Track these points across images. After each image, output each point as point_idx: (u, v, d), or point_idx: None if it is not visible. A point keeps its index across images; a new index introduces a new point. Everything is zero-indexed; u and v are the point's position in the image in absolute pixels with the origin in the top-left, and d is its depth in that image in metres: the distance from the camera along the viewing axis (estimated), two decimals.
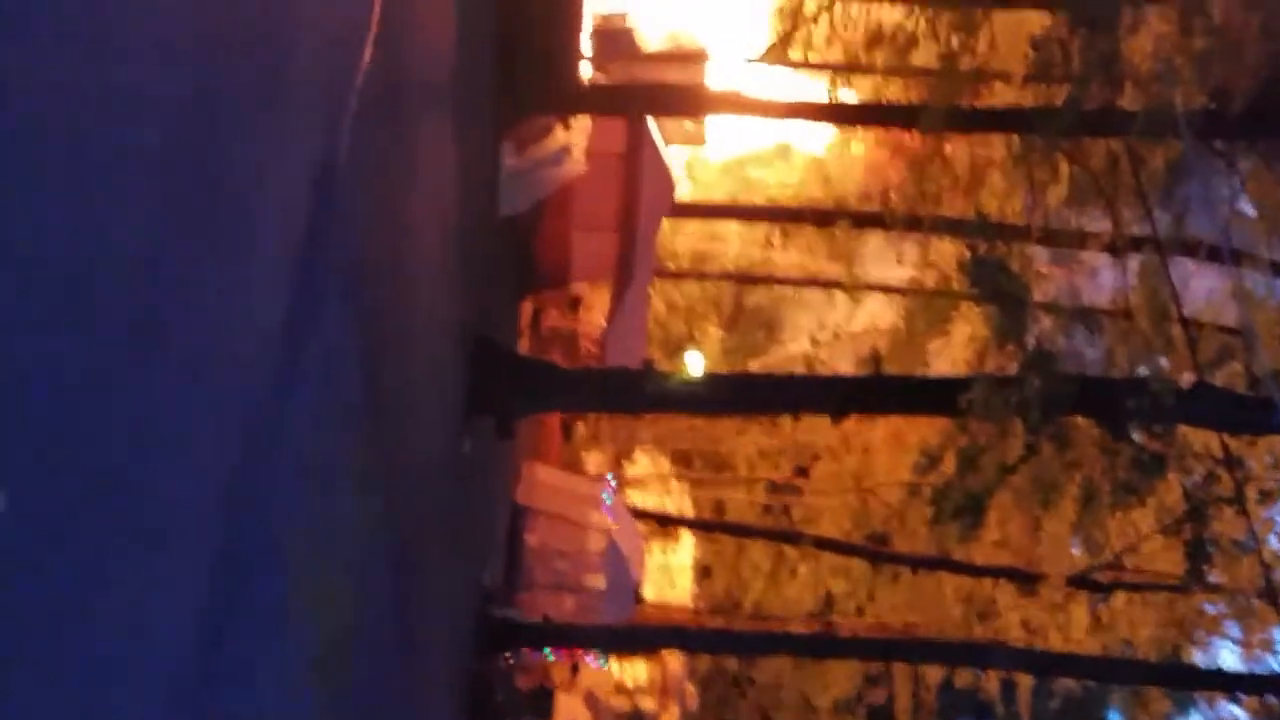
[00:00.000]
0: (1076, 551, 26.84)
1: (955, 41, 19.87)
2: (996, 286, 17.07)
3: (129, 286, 5.97)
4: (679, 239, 35.43)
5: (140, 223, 6.05)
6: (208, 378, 7.12)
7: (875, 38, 21.16)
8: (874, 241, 29.49)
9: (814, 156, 34.11)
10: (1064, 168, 20.04)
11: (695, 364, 34.77)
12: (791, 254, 34.46)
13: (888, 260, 29.52)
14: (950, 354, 26.37)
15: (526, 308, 27.16)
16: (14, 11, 4.91)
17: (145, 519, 6.27)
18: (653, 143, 24.96)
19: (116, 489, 5.88)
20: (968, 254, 18.50)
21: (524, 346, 26.25)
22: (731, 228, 35.46)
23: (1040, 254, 21.42)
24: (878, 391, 19.14)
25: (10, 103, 4.88)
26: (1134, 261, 20.05)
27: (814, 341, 36.14)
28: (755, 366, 36.66)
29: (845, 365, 34.24)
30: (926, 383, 20.37)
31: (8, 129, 4.87)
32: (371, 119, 10.51)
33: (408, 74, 13.00)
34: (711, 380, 24.08)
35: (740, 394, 19.86)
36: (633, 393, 18.69)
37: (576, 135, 22.67)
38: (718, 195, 35.58)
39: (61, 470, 5.39)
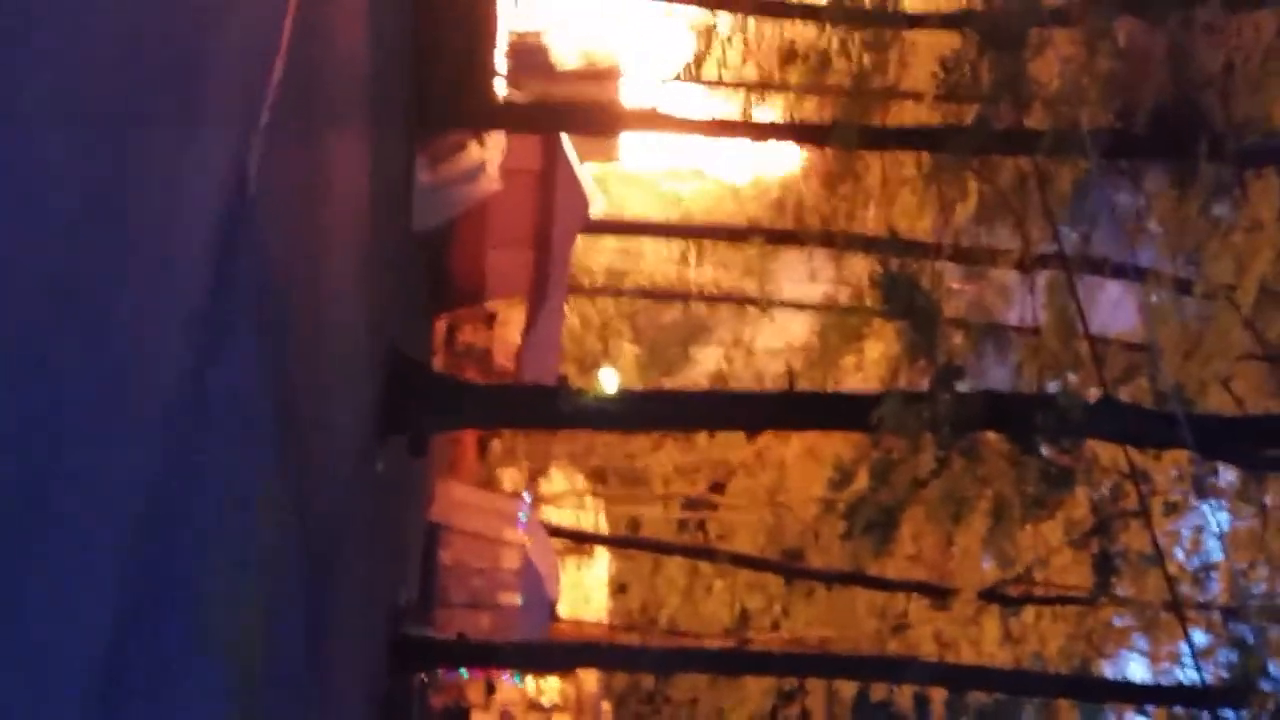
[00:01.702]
0: (988, 565, 27.12)
1: (867, 60, 20.05)
2: (908, 303, 17.22)
3: (30, 310, 5.86)
4: (593, 255, 35.47)
5: (41, 245, 5.95)
6: (113, 404, 7.02)
7: (789, 56, 21.30)
8: (788, 258, 29.67)
9: (728, 174, 34.29)
10: (973, 186, 20.27)
11: (610, 380, 34.81)
12: (706, 271, 34.61)
13: (801, 277, 29.71)
14: (864, 371, 26.57)
15: (441, 324, 27.08)
16: None
17: (49, 549, 6.16)
18: (567, 160, 25.00)
19: (17, 518, 5.78)
20: (879, 271, 18.63)
21: (438, 363, 26.16)
22: (646, 244, 35.54)
23: (951, 271, 21.65)
24: (791, 407, 19.25)
25: None
26: (1042, 278, 20.30)
27: (728, 359, 36.31)
28: (670, 383, 36.75)
29: (760, 382, 34.41)
30: (839, 399, 20.52)
31: None
32: (283, 134, 10.42)
33: (320, 89, 12.91)
34: (626, 396, 24.15)
35: (655, 410, 19.92)
36: (547, 409, 18.66)
37: (491, 151, 22.65)
38: (632, 212, 35.65)
39: None
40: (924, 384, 17.42)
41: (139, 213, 7.35)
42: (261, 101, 9.70)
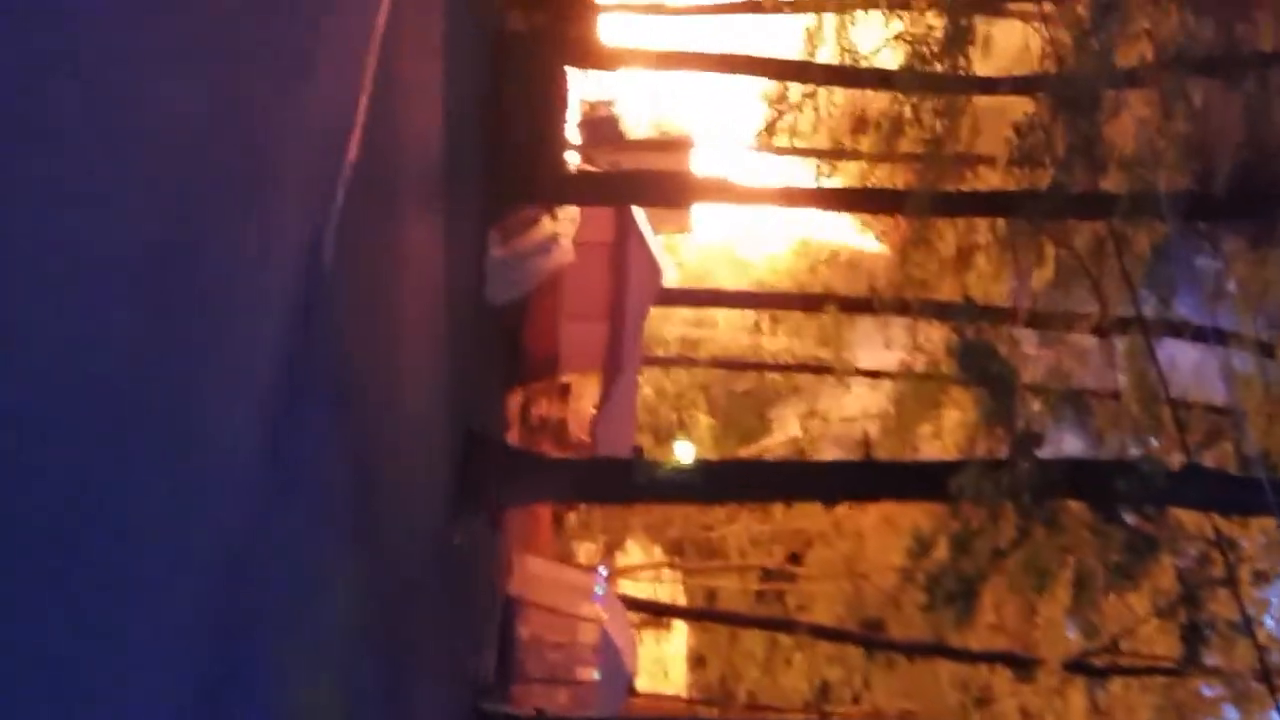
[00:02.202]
0: (1072, 635, 26.64)
1: (939, 126, 19.98)
2: (984, 371, 17.03)
3: (112, 396, 5.90)
4: (667, 325, 35.48)
5: (121, 321, 5.99)
6: (193, 487, 7.03)
7: (860, 123, 21.27)
8: (863, 326, 29.53)
9: (801, 242, 34.27)
10: (1049, 250, 20.07)
11: (685, 452, 34.69)
12: (780, 339, 34.53)
13: (876, 344, 29.54)
14: (941, 438, 26.31)
15: (516, 397, 27.10)
16: None
17: (127, 624, 6.17)
18: (639, 231, 25.05)
19: (98, 601, 5.78)
20: (955, 338, 18.45)
21: (513, 437, 26.16)
22: (720, 313, 35.52)
23: (1028, 336, 21.43)
24: (868, 478, 19.07)
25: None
26: (1121, 343, 20.04)
27: (804, 427, 36.09)
28: (745, 453, 36.57)
29: (835, 451, 34.16)
30: (917, 468, 20.31)
31: None
32: (358, 214, 10.49)
33: (395, 165, 13.01)
34: (702, 468, 23.99)
35: (731, 482, 19.79)
36: (623, 482, 18.61)
37: (564, 225, 22.72)
38: (705, 281, 35.68)
39: (40, 583, 5.29)
40: (1003, 451, 17.18)
41: (216, 289, 7.41)
42: (337, 179, 9.78)
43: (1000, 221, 20.01)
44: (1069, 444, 19.83)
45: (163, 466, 6.54)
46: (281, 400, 8.70)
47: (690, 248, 35.74)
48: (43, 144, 5.28)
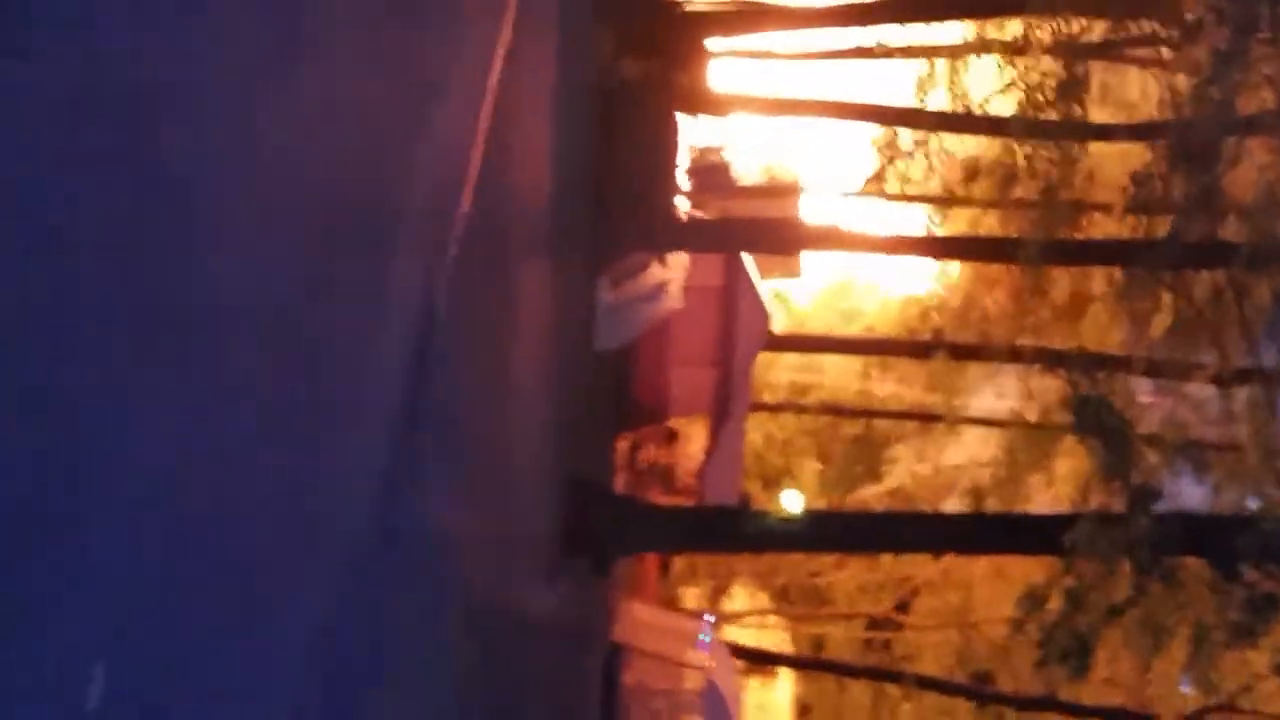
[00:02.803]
0: (1187, 690, 26.04)
1: (1053, 174, 19.73)
2: (1100, 425, 16.73)
3: (230, 447, 5.95)
4: (774, 371, 35.32)
5: (246, 395, 6.06)
6: (303, 541, 7.08)
7: (972, 171, 21.06)
8: (973, 372, 29.22)
9: (910, 288, 34.01)
10: (1166, 299, 19.70)
11: (793, 501, 34.45)
12: (889, 385, 34.25)
13: (986, 392, 29.23)
14: (1054, 486, 25.89)
15: (624, 442, 27.11)
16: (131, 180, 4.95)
17: (232, 692, 6.19)
18: (748, 276, 25.01)
19: (209, 661, 5.82)
20: (1069, 388, 18.14)
21: (621, 481, 26.16)
22: (828, 359, 35.31)
23: (1143, 383, 21.04)
24: (979, 530, 18.81)
25: (128, 290, 4.91)
26: (1241, 394, 19.60)
27: (913, 475, 35.70)
28: (854, 501, 36.25)
29: (945, 499, 33.75)
30: (1029, 521, 20.00)
31: (106, 316, 4.88)
32: (470, 264, 10.55)
33: (506, 215, 13.09)
34: (810, 519, 23.75)
35: (840, 533, 19.61)
36: (730, 531, 18.50)
37: (673, 270, 22.73)
38: (813, 326, 35.51)
39: (155, 647, 5.33)
40: (1116, 503, 16.85)
41: (331, 345, 7.47)
42: (450, 232, 9.84)
43: (1116, 270, 19.67)
44: (1187, 493, 19.38)
45: (278, 525, 6.59)
46: (395, 459, 8.75)
47: (799, 293, 35.61)
48: (184, 197, 5.38)
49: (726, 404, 25.66)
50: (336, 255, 7.53)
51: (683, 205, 24.99)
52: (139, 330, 5.12)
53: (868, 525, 20.74)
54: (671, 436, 28.75)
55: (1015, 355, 23.38)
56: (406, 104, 8.80)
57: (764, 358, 30.47)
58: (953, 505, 32.11)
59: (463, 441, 11.32)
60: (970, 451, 32.68)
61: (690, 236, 22.60)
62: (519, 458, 14.76)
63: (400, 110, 8.64)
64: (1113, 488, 16.80)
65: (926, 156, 23.12)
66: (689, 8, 26.49)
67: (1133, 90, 22.83)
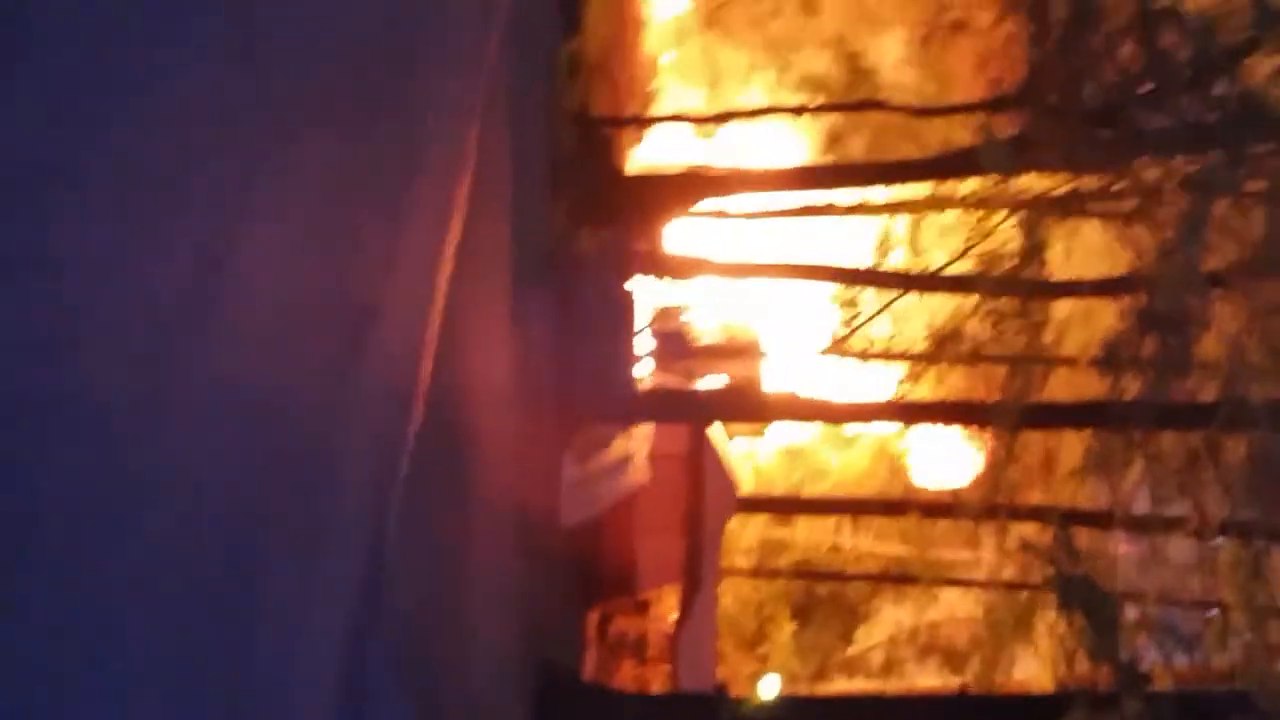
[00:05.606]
0: None
1: (1021, 335, 19.48)
2: (1085, 605, 16.25)
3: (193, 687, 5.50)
4: (747, 530, 34.70)
5: (184, 627, 5.63)
6: None
7: (941, 338, 20.77)
8: (946, 527, 28.73)
9: (880, 440, 33.63)
10: (1141, 457, 19.34)
11: (769, 686, 33.53)
12: (862, 540, 33.71)
13: (961, 547, 28.75)
14: (1038, 646, 25.28)
15: (593, 615, 26.43)
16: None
17: None
18: (713, 445, 24.61)
19: None
20: (1048, 562, 17.68)
21: (591, 656, 25.45)
22: (800, 518, 34.78)
23: (1123, 539, 20.63)
24: (965, 713, 18.22)
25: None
26: (1224, 551, 19.18)
27: (892, 638, 34.99)
28: (832, 663, 35.49)
29: (926, 660, 33.09)
30: (1016, 702, 19.40)
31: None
32: (425, 473, 10.07)
33: (463, 411, 12.67)
34: (788, 705, 22.99)
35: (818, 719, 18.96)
36: None
37: (638, 442, 22.32)
38: (782, 484, 35.01)
39: None
40: (1106, 680, 16.29)
41: (278, 583, 7.03)
42: (401, 450, 9.36)
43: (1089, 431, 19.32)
44: (1176, 669, 18.83)
45: None
46: (351, 673, 8.25)
47: (766, 449, 35.16)
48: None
49: (697, 572, 25.10)
50: (282, 479, 7.09)
51: (645, 371, 24.65)
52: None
53: (848, 710, 20.05)
54: (642, 607, 28.04)
55: (990, 513, 22.91)
56: (347, 326, 8.37)
57: (735, 519, 29.94)
58: (933, 671, 31.49)
59: (423, 648, 10.79)
60: (950, 607, 32.13)
61: (653, 409, 22.21)
62: (484, 651, 14.23)
63: (341, 333, 8.22)
64: (1101, 669, 16.28)
65: (889, 315, 22.91)
66: (645, 175, 26.37)
67: (1095, 239, 22.60)
